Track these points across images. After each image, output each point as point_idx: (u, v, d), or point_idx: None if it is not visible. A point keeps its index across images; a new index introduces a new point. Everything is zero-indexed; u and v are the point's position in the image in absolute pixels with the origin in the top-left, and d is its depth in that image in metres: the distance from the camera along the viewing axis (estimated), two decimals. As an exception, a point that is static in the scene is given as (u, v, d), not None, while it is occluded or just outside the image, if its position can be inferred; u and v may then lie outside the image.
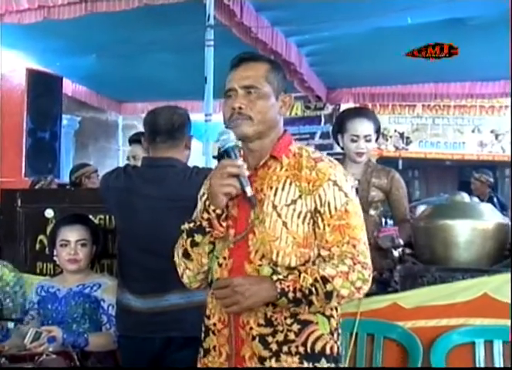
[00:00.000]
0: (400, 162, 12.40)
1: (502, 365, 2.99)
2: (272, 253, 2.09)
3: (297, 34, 7.25)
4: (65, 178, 6.27)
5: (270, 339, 2.09)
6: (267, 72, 2.20)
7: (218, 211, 2.16)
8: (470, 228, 3.28)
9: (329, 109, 10.57)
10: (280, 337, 2.09)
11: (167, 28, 6.45)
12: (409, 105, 11.71)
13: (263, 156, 2.19)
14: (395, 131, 12.09)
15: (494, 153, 11.69)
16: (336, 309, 2.16)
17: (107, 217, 3.78)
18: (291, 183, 2.12)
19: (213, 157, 2.24)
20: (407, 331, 3.07)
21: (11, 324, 3.48)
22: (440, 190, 11.38)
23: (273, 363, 2.08)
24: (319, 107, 10.72)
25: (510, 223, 3.52)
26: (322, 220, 2.09)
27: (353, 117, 3.82)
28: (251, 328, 2.10)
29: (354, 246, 2.07)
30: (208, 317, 2.24)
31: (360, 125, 3.74)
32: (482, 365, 3.00)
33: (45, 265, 3.94)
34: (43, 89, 7.35)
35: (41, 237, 3.91)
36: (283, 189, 2.12)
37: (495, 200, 6.86)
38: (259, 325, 2.09)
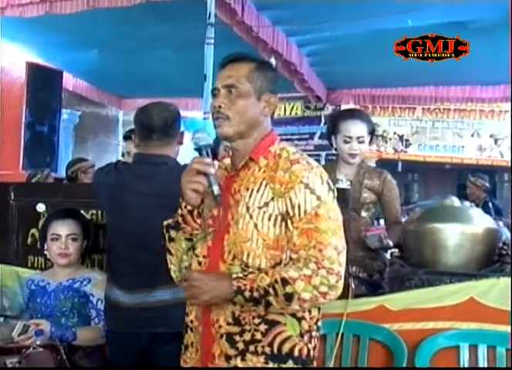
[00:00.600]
0: (400, 164, 12.44)
1: (487, 370, 3.01)
2: (243, 254, 2.11)
3: (298, 34, 7.24)
4: (63, 172, 6.26)
5: (237, 338, 2.11)
6: (250, 71, 2.20)
7: (189, 207, 2.23)
8: (459, 232, 3.28)
9: (329, 109, 10.59)
10: (247, 336, 2.10)
11: (168, 24, 6.46)
12: (409, 108, 11.73)
13: (246, 156, 2.20)
14: (395, 133, 12.08)
15: (493, 157, 11.66)
16: (310, 312, 2.14)
17: (99, 212, 3.78)
18: (266, 185, 2.13)
19: (194, 149, 2.25)
20: (393, 333, 3.08)
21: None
22: (439, 194, 11.35)
23: (238, 362, 2.10)
24: (319, 107, 10.74)
25: (499, 228, 3.54)
26: (292, 222, 2.08)
27: (346, 118, 3.84)
28: (220, 326, 2.13)
29: (320, 250, 2.04)
30: (187, 315, 2.28)
31: (353, 126, 3.75)
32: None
33: (36, 259, 3.94)
34: (43, 83, 7.36)
35: (33, 230, 3.91)
36: (258, 191, 2.13)
37: (490, 204, 6.86)
38: (228, 324, 2.12)
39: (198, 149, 2.17)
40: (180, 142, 3.25)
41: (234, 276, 2.05)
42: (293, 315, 2.10)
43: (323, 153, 10.00)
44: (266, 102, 2.21)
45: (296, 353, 2.11)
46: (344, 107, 9.53)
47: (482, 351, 3.02)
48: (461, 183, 9.86)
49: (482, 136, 11.88)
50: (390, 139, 12.07)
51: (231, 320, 2.11)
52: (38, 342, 3.05)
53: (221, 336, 2.12)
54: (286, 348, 2.10)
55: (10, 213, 4.01)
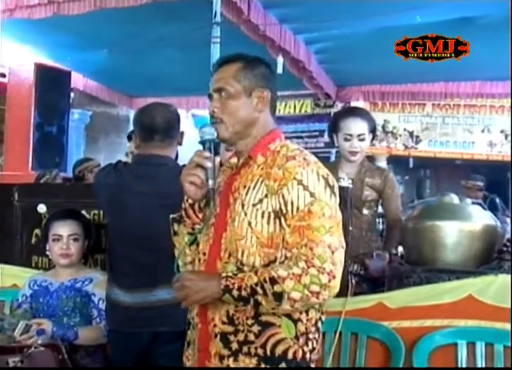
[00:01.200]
0: (411, 161, 12.40)
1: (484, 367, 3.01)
2: (238, 252, 2.10)
3: (305, 31, 7.22)
4: (73, 172, 6.30)
5: (231, 338, 2.09)
6: (237, 71, 2.20)
7: (190, 201, 2.26)
8: (458, 229, 3.27)
9: (339, 106, 10.50)
10: (241, 337, 2.08)
11: (175, 24, 6.47)
12: (418, 104, 11.66)
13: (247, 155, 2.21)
14: (405, 130, 12.02)
15: (504, 153, 11.55)
16: (307, 313, 2.11)
17: (101, 212, 3.82)
18: (262, 182, 2.11)
19: (199, 142, 2.27)
20: (390, 331, 3.09)
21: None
22: (451, 189, 11.32)
23: (230, 362, 2.09)
24: (329, 105, 10.70)
25: (505, 225, 3.53)
26: (285, 220, 2.05)
27: (347, 116, 3.85)
28: (215, 325, 2.12)
29: (311, 248, 1.99)
30: (190, 311, 2.28)
31: (354, 124, 3.77)
32: (464, 366, 3.02)
33: (40, 259, 4.00)
34: (51, 84, 7.37)
35: (36, 231, 3.97)
36: (254, 188, 2.12)
37: (497, 200, 6.83)
38: (223, 323, 2.11)
39: (202, 143, 2.20)
40: (180, 143, 3.28)
41: (224, 275, 2.05)
42: (289, 317, 2.07)
43: (333, 150, 9.96)
44: (258, 98, 2.20)
45: (290, 356, 2.07)
46: (353, 104, 9.51)
47: (480, 348, 3.02)
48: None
49: (492, 132, 11.81)
50: (400, 135, 12.01)
51: (226, 319, 2.10)
52: (39, 341, 3.09)
53: (215, 335, 2.12)
54: (279, 350, 2.07)
55: (14, 214, 4.07)
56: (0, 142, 7.80)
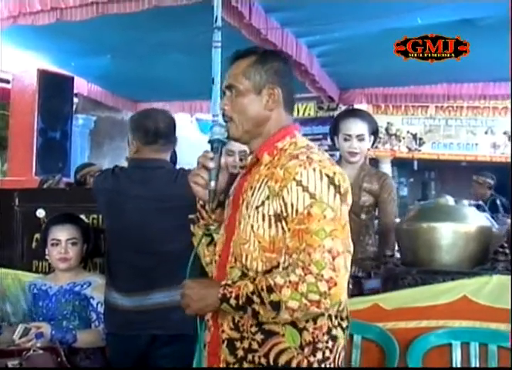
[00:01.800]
0: (415, 163, 12.39)
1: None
2: (242, 257, 2.02)
3: (307, 35, 7.21)
4: (77, 177, 6.34)
5: (238, 344, 2.02)
6: (248, 66, 2.11)
7: (201, 202, 2.20)
8: (453, 231, 3.27)
9: (342, 109, 10.53)
10: (245, 344, 2.01)
11: (177, 29, 6.49)
12: (421, 106, 11.66)
13: None
14: (408, 132, 12.01)
15: (507, 154, 11.51)
16: (314, 321, 1.98)
17: (100, 217, 3.85)
18: (266, 183, 2.01)
19: (208, 142, 2.26)
20: (385, 332, 3.09)
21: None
22: (456, 191, 11.31)
23: None
24: (332, 108, 10.71)
25: (495, 227, 3.54)
26: (286, 223, 1.95)
27: (346, 117, 3.87)
28: (223, 331, 2.06)
29: (309, 254, 1.87)
30: (207, 313, 2.17)
31: (353, 125, 3.76)
32: (458, 366, 3.03)
33: (40, 263, 4.03)
34: (54, 90, 7.43)
35: (37, 235, 3.98)
36: (258, 189, 2.03)
37: (498, 201, 6.82)
38: (230, 329, 2.04)
39: (211, 142, 2.16)
40: (173, 147, 3.34)
41: (223, 283, 1.97)
42: (293, 325, 1.97)
43: (337, 154, 9.96)
44: (268, 96, 2.10)
45: (294, 366, 1.97)
46: (356, 107, 9.51)
47: (474, 348, 3.03)
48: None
49: (496, 133, 11.80)
50: (403, 138, 12.01)
51: (232, 325, 2.04)
52: (38, 345, 3.13)
53: (223, 341, 2.06)
54: (283, 360, 1.97)
55: (15, 219, 4.11)
56: (4, 147, 7.86)
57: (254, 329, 1.99)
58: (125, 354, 3.20)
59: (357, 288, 3.40)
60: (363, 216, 3.78)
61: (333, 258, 1.86)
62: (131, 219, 3.15)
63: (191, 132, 11.66)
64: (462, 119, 11.90)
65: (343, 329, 2.07)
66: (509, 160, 11.04)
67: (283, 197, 1.94)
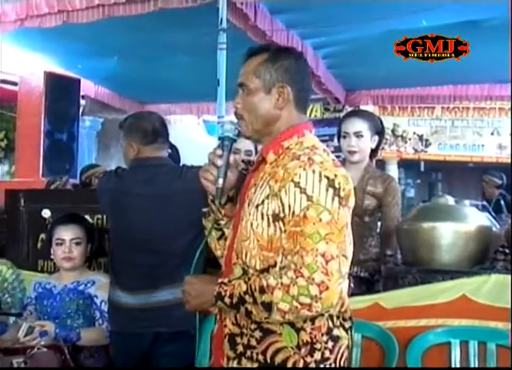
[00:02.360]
0: (422, 164, 12.38)
1: (477, 366, 3.04)
2: (242, 254, 2.03)
3: (313, 36, 7.22)
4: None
5: (238, 340, 2.04)
6: (258, 65, 2.09)
7: (210, 197, 2.21)
8: (453, 230, 3.29)
9: (348, 111, 10.57)
10: (245, 340, 2.02)
11: (183, 31, 6.51)
12: (428, 108, 11.66)
13: None
14: (414, 133, 12.02)
15: (513, 155, 11.59)
16: (312, 321, 1.97)
17: (104, 217, 3.89)
18: (267, 182, 2.01)
19: (218, 138, 2.28)
20: (384, 330, 3.11)
21: (12, 319, 3.61)
22: (463, 192, 11.31)
23: (235, 365, 2.04)
24: (338, 109, 10.67)
25: (495, 226, 3.55)
26: (284, 224, 1.94)
27: (346, 117, 3.88)
28: (226, 325, 2.07)
29: (302, 257, 1.86)
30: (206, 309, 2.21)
31: (350, 123, 3.72)
32: (457, 365, 3.04)
33: (46, 263, 4.08)
34: (61, 92, 7.48)
35: (42, 235, 4.05)
36: (261, 187, 2.02)
37: (502, 202, 6.82)
38: (232, 324, 2.05)
39: (221, 139, 2.17)
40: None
41: (219, 281, 1.99)
42: (291, 325, 1.97)
43: (342, 155, 9.97)
44: (278, 94, 2.08)
45: (290, 365, 1.97)
46: (363, 108, 9.51)
47: (473, 347, 3.04)
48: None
49: (502, 134, 11.80)
50: (410, 139, 12.01)
51: (234, 320, 2.05)
52: (42, 343, 3.18)
53: (225, 336, 2.08)
54: (279, 358, 1.97)
55: (20, 219, 4.17)
56: (11, 149, 7.92)
57: (253, 326, 2.00)
58: (128, 352, 3.25)
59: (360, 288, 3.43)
60: (366, 218, 3.71)
61: (326, 262, 1.85)
62: (135, 218, 3.21)
63: (198, 133, 11.68)
64: (468, 120, 11.91)
65: (346, 330, 2.06)
66: (515, 161, 11.05)
67: (281, 198, 1.94)
